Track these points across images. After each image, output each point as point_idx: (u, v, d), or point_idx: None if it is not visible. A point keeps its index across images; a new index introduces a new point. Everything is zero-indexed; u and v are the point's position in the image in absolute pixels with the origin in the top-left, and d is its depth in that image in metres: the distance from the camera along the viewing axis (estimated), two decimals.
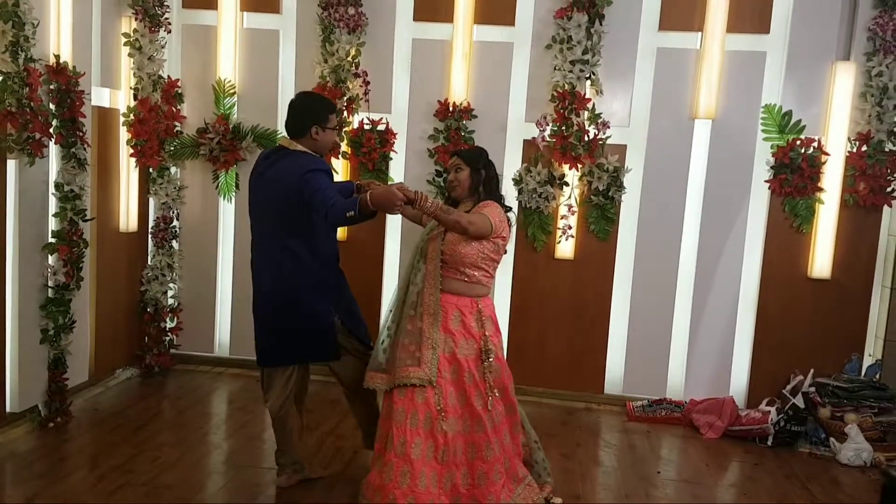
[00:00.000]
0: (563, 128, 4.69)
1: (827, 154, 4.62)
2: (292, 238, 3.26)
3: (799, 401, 4.42)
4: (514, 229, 4.85)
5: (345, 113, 4.82)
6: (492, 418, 3.17)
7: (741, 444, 4.43)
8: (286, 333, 3.35)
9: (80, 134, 4.08)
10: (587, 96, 4.69)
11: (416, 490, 3.03)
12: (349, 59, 4.80)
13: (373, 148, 4.88)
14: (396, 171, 5.00)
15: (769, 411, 4.50)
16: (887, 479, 0.60)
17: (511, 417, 3.29)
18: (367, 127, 4.91)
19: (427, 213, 3.11)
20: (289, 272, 3.28)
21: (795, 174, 4.64)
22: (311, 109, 3.28)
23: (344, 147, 4.90)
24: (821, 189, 4.65)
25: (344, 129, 4.86)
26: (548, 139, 4.72)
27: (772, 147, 4.70)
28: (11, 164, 3.78)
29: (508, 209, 3.35)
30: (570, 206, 4.80)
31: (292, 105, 3.32)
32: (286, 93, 5.03)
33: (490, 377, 3.20)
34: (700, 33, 4.70)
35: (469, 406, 3.15)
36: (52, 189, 4.04)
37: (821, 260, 4.68)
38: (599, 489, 3.73)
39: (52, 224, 4.07)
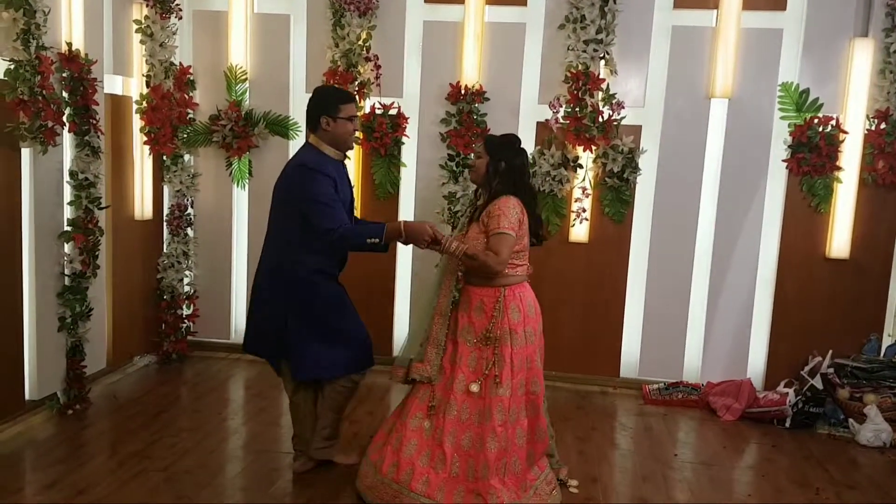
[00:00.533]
0: (577, 109, 4.64)
1: (845, 132, 4.55)
2: (287, 231, 3.24)
3: (817, 382, 4.39)
4: None
5: (356, 97, 4.79)
6: (500, 409, 3.10)
7: (759, 427, 4.40)
8: (255, 325, 3.40)
9: (94, 122, 4.09)
10: (601, 76, 4.64)
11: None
12: (360, 42, 4.77)
13: (385, 133, 4.85)
14: (408, 156, 4.98)
15: (787, 393, 4.47)
16: None
17: (530, 419, 3.21)
18: (378, 111, 4.89)
19: (451, 256, 3.15)
20: (274, 265, 3.29)
21: (813, 153, 4.58)
22: (320, 101, 3.27)
23: (357, 133, 4.88)
24: (839, 168, 4.58)
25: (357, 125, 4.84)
26: (561, 121, 4.68)
27: (789, 126, 4.64)
28: (26, 153, 3.78)
29: (532, 197, 3.28)
30: (584, 189, 4.76)
31: (308, 102, 3.31)
32: (298, 78, 5.02)
33: (496, 367, 3.11)
34: (715, 11, 4.63)
35: (469, 393, 3.12)
36: (66, 177, 4.06)
37: (839, 240, 4.63)
38: (616, 471, 3.73)
39: (68, 212, 4.09)
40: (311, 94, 3.35)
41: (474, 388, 3.10)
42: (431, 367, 3.17)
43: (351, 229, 3.16)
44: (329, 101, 3.25)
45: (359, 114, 4.75)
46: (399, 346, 5.15)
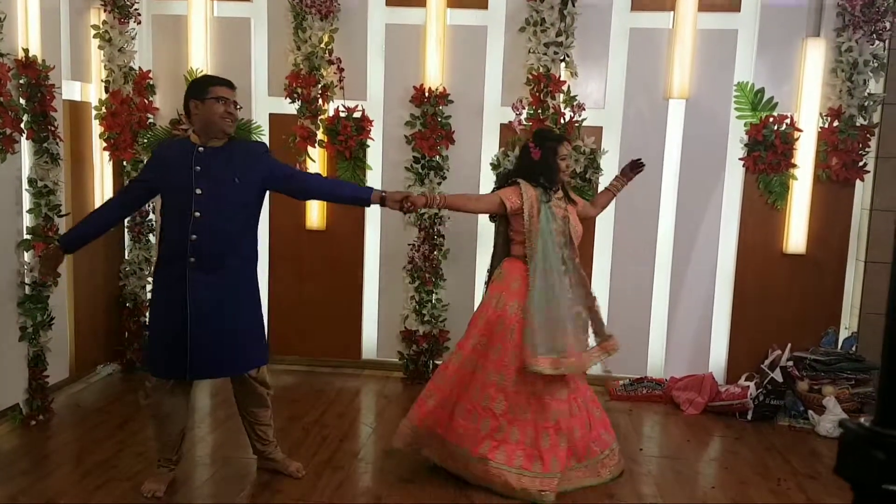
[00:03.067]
0: (540, 111, 4.69)
1: (799, 130, 4.67)
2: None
3: (777, 375, 4.50)
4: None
5: (320, 101, 4.79)
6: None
7: (722, 420, 4.49)
8: None
9: (52, 128, 4.03)
10: (562, 79, 4.70)
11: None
12: (322, 45, 4.76)
13: (349, 136, 4.86)
14: (374, 159, 4.99)
15: (748, 386, 4.56)
16: (844, 429, 0.61)
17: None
18: (342, 114, 4.88)
19: (440, 207, 3.58)
20: None
21: (769, 151, 4.69)
22: (190, 87, 3.21)
23: (320, 135, 4.87)
24: (794, 165, 4.70)
25: (319, 118, 4.83)
26: (524, 122, 4.73)
27: (745, 125, 4.75)
28: None
29: (537, 182, 3.56)
30: None
31: None
32: (259, 82, 5.00)
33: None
34: (672, 12, 4.72)
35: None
36: (25, 185, 4.00)
37: (796, 235, 4.75)
38: None
39: (27, 220, 4.03)
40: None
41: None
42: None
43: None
44: (195, 86, 3.19)
45: (322, 117, 4.79)
46: (367, 348, 5.17)
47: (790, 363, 4.57)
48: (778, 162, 4.69)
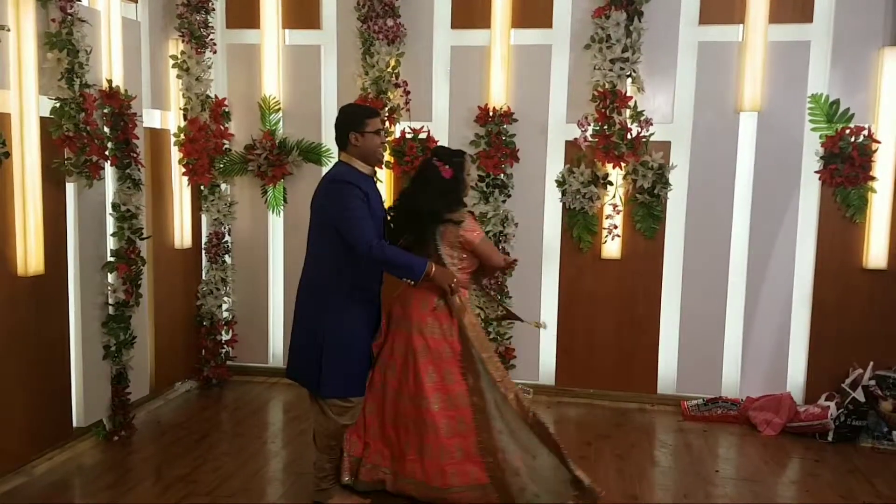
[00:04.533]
0: (605, 127, 4.68)
1: (878, 142, 4.52)
2: (323, 247, 3.27)
3: (859, 394, 4.33)
4: (558, 230, 4.91)
5: (387, 123, 4.88)
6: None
7: (801, 441, 4.35)
8: (294, 350, 3.41)
9: (134, 155, 4.22)
10: (628, 94, 4.67)
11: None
12: (389, 69, 4.86)
13: (415, 156, 4.93)
14: None
15: (828, 406, 4.41)
16: None
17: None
18: (408, 136, 4.97)
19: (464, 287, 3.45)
20: (310, 282, 3.34)
21: (846, 164, 4.56)
22: (347, 118, 3.31)
23: (387, 157, 4.96)
24: (873, 178, 4.55)
25: (386, 139, 4.92)
26: (590, 139, 4.72)
27: (820, 137, 4.63)
28: (70, 187, 3.92)
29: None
30: (614, 206, 4.78)
31: (335, 120, 3.35)
32: (329, 106, 5.12)
33: None
34: (741, 25, 4.65)
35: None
36: (109, 209, 4.18)
37: (876, 249, 4.58)
38: (657, 489, 3.71)
39: (111, 243, 4.21)
40: (337, 114, 3.38)
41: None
42: None
43: (388, 252, 3.18)
44: (355, 117, 3.29)
45: (388, 134, 4.89)
46: None
47: (872, 382, 4.40)
48: (856, 174, 4.55)
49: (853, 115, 4.57)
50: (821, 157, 4.63)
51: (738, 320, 4.86)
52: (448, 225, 3.34)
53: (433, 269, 3.24)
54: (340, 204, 3.16)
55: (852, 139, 4.54)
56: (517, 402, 3.29)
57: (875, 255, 4.59)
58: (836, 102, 4.58)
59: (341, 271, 3.23)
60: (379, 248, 3.13)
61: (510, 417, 3.29)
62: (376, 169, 3.43)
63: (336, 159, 3.41)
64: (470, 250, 3.37)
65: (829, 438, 4.32)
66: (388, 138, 4.94)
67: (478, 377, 3.32)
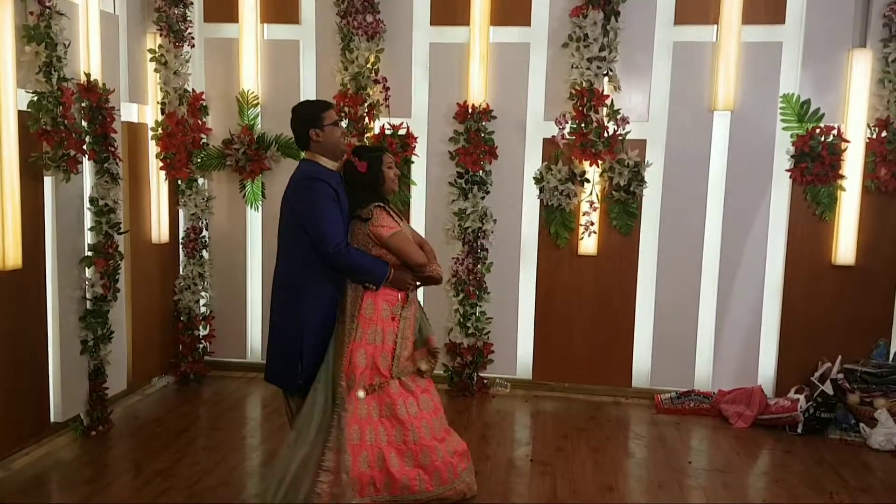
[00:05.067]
0: (583, 125, 4.74)
1: (847, 141, 4.63)
2: (295, 245, 3.25)
3: (828, 387, 4.44)
4: (535, 226, 4.96)
5: (366, 119, 4.90)
6: None
7: (771, 433, 4.46)
8: (272, 353, 3.38)
9: (112, 149, 4.19)
10: (605, 93, 4.74)
11: None
12: (369, 65, 4.88)
13: (394, 152, 4.95)
14: (418, 174, 5.08)
15: (798, 399, 4.52)
16: None
17: None
18: (388, 132, 4.99)
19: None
20: (284, 280, 3.31)
21: (816, 162, 4.66)
22: (303, 117, 3.31)
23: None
24: (842, 176, 4.67)
25: (365, 135, 4.94)
26: (567, 137, 4.78)
27: (791, 136, 4.73)
28: (48, 181, 3.89)
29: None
30: (591, 203, 4.85)
31: (291, 122, 3.34)
32: None
33: None
34: (716, 26, 4.74)
35: None
36: (87, 204, 4.16)
37: (844, 247, 4.70)
38: (632, 480, 3.78)
39: (89, 238, 4.19)
40: (291, 115, 3.35)
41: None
42: None
43: (353, 256, 3.17)
44: (311, 113, 3.29)
45: (368, 134, 4.91)
46: None
47: (840, 375, 4.52)
48: (825, 173, 4.66)
49: (823, 114, 4.68)
50: (792, 156, 4.73)
51: (711, 315, 4.95)
52: (356, 222, 3.27)
53: (391, 273, 3.23)
54: (311, 201, 3.16)
55: (822, 138, 4.65)
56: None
57: (843, 251, 4.71)
58: (807, 102, 4.69)
59: (314, 270, 3.21)
60: (345, 250, 3.15)
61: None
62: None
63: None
64: (383, 245, 3.25)
65: (799, 430, 4.43)
66: (368, 134, 4.96)
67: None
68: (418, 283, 3.36)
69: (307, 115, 3.29)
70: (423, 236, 4.97)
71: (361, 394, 3.19)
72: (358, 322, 3.20)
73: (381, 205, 3.28)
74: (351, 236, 3.25)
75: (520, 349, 5.13)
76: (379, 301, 3.22)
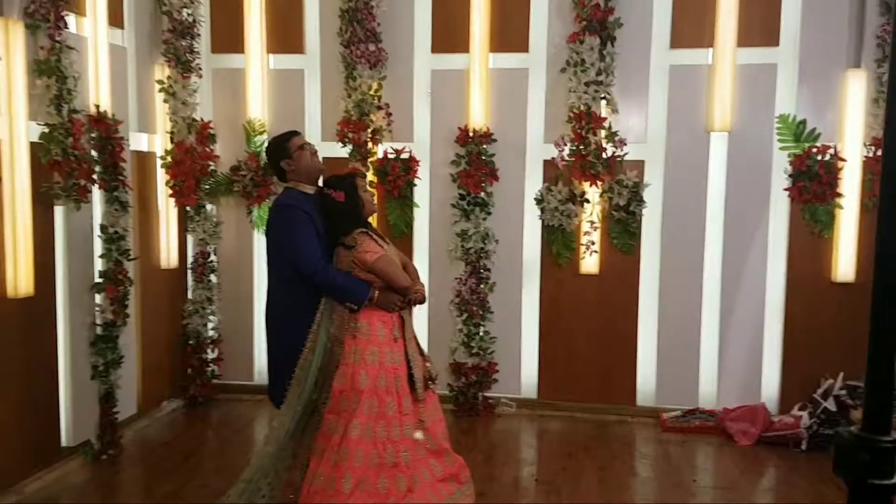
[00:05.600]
0: (581, 147, 4.82)
1: (843, 160, 4.69)
2: (275, 271, 3.39)
3: (830, 404, 4.47)
4: (537, 246, 5.02)
5: (369, 144, 5.00)
6: None
7: (775, 450, 4.47)
8: (271, 373, 3.46)
9: (122, 178, 4.30)
10: (603, 115, 4.82)
11: None
12: (372, 93, 4.99)
13: (397, 176, 5.05)
14: (421, 197, 5.17)
15: (801, 416, 4.54)
16: (837, 436, 0.72)
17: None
18: (391, 156, 5.09)
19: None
20: (269, 306, 3.44)
21: (814, 181, 4.72)
22: (272, 154, 3.48)
23: (370, 176, 5.07)
24: (840, 195, 4.72)
25: (369, 160, 5.03)
26: (566, 158, 4.86)
27: (789, 156, 4.79)
28: (59, 210, 3.99)
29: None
30: (592, 223, 4.91)
31: (265, 164, 3.45)
32: (313, 128, 5.24)
33: None
34: (711, 49, 4.82)
35: None
36: (97, 231, 4.26)
37: (844, 264, 4.74)
38: (637, 498, 3.82)
39: (99, 265, 4.27)
40: (265, 157, 3.45)
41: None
42: None
43: (331, 275, 3.24)
44: (277, 147, 3.44)
45: (371, 159, 4.99)
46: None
47: (843, 392, 4.54)
48: (823, 192, 4.71)
49: (820, 134, 4.74)
50: (789, 175, 4.79)
51: (714, 334, 4.99)
52: (340, 249, 3.31)
53: (376, 294, 3.25)
54: (285, 227, 3.27)
55: (819, 157, 4.71)
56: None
57: (843, 268, 4.75)
58: (803, 122, 4.75)
59: (301, 294, 3.29)
60: (322, 270, 3.22)
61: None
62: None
63: None
64: (368, 270, 3.25)
65: (803, 447, 4.44)
66: (371, 159, 5.05)
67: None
68: (405, 305, 3.38)
69: (275, 150, 3.45)
70: (428, 257, 5.12)
71: (419, 435, 3.28)
72: (356, 344, 3.25)
73: (364, 230, 3.33)
74: (337, 263, 3.30)
75: (524, 369, 5.17)
76: (375, 322, 3.28)
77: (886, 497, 0.75)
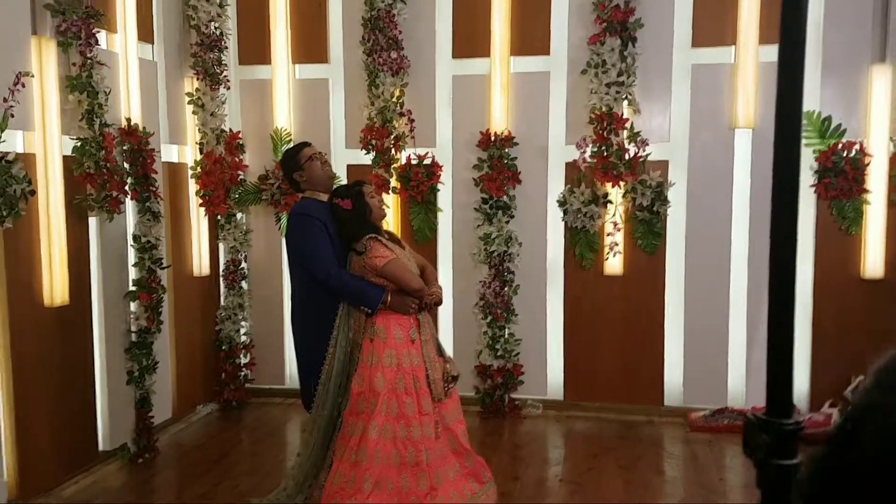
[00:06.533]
0: (604, 148, 4.83)
1: (870, 156, 4.64)
2: (297, 278, 3.46)
3: None
4: (561, 248, 5.05)
5: (392, 150, 5.08)
6: None
7: (805, 449, 4.41)
8: (301, 380, 3.54)
9: (153, 189, 4.43)
10: (625, 116, 4.83)
11: None
12: (394, 99, 5.06)
13: (420, 181, 5.11)
14: (444, 201, 5.23)
15: (831, 413, 4.49)
16: (745, 419, 0.78)
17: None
18: (414, 162, 5.15)
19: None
20: (294, 312, 3.54)
21: (840, 177, 4.67)
22: (285, 167, 3.57)
23: (394, 182, 5.14)
24: (866, 190, 4.66)
25: (392, 166, 5.11)
26: (589, 160, 4.87)
27: (814, 152, 4.74)
28: (93, 221, 4.14)
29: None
30: (615, 224, 4.92)
31: (281, 178, 3.54)
32: (337, 136, 5.33)
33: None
34: (733, 47, 4.80)
35: None
36: (130, 241, 4.40)
37: (872, 260, 4.68)
38: (663, 498, 3.82)
39: (133, 273, 4.41)
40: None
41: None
42: None
43: (345, 280, 3.30)
44: (289, 160, 3.52)
45: (395, 165, 5.06)
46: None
47: None
48: (850, 188, 4.66)
49: (845, 130, 4.69)
50: (815, 172, 4.74)
51: (741, 331, 4.96)
52: (352, 255, 3.35)
53: (390, 297, 3.29)
54: (300, 236, 3.35)
55: (845, 154, 4.66)
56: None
57: (872, 265, 4.69)
58: (828, 119, 4.71)
59: (320, 299, 3.37)
60: (337, 276, 3.29)
61: None
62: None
63: None
64: (379, 275, 3.29)
65: None
66: (395, 165, 5.13)
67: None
68: (421, 307, 3.42)
69: (287, 163, 3.53)
70: (452, 261, 5.17)
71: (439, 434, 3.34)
72: (373, 347, 3.32)
73: (374, 235, 3.37)
74: (350, 269, 3.36)
75: (550, 370, 5.19)
76: (391, 325, 3.34)
77: (789, 476, 0.84)
